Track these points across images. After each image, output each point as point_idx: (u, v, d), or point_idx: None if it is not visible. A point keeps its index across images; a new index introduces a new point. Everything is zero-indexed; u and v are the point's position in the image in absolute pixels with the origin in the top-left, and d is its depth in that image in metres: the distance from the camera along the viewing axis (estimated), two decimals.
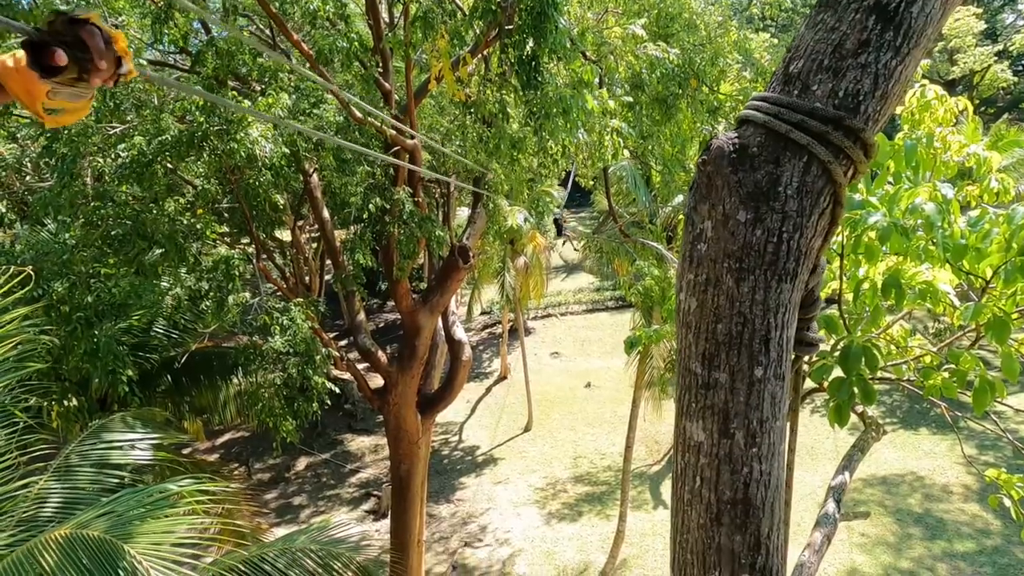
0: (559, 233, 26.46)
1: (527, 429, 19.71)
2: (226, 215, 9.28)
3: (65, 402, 6.66)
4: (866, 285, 3.00)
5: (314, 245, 17.18)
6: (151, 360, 8.96)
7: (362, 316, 10.19)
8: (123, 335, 7.68)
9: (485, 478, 17.68)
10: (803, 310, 1.53)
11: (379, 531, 15.05)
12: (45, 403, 6.56)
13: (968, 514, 14.13)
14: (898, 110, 3.82)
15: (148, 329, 8.94)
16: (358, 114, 6.87)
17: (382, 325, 26.71)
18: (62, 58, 1.09)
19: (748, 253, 1.40)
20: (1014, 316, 2.72)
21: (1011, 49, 28.65)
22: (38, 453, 4.61)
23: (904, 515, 14.33)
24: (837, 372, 2.56)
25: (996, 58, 28.26)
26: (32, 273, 4.57)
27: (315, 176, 9.12)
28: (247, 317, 9.56)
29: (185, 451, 11.12)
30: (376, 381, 9.87)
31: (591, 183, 13.93)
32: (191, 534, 4.56)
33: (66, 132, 6.26)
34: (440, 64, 6.04)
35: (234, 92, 6.81)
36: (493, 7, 5.47)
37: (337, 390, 8.61)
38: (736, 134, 1.44)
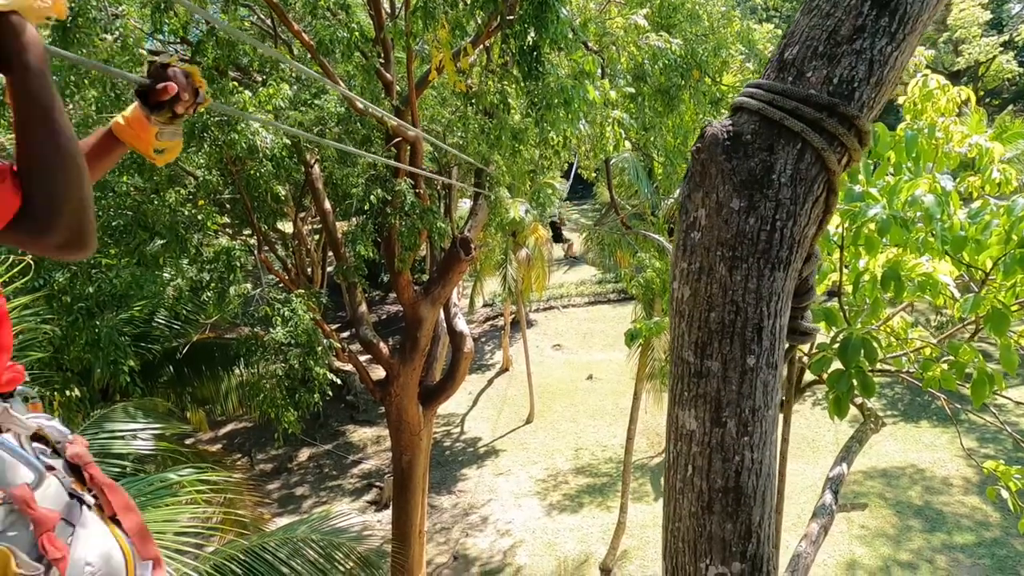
0: (556, 238, 22.65)
1: (528, 421, 19.76)
2: (227, 206, 9.28)
3: (67, 392, 6.69)
4: (866, 277, 2.99)
5: (316, 236, 17.20)
6: (153, 351, 8.98)
7: (364, 308, 10.21)
8: (125, 326, 7.70)
9: (486, 469, 17.74)
10: (796, 299, 1.53)
11: (381, 522, 15.13)
12: (47, 393, 6.60)
13: (968, 506, 14.15)
14: (900, 100, 3.79)
15: (150, 320, 8.96)
16: (359, 104, 6.85)
17: (384, 317, 26.75)
18: (173, 88, 1.40)
19: (741, 241, 1.39)
20: (1013, 308, 2.71)
21: (1017, 39, 28.36)
22: None
23: (904, 507, 14.35)
24: (837, 364, 2.55)
25: (1002, 49, 27.99)
26: (32, 263, 4.58)
27: (316, 167, 9.11)
28: (249, 308, 9.59)
29: (188, 441, 11.18)
30: (378, 372, 9.90)
31: (593, 175, 13.85)
32: (193, 523, 4.58)
33: None
34: (441, 54, 6.01)
35: (235, 82, 6.79)
36: None
37: (339, 381, 8.64)
38: (730, 121, 1.44)
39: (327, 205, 9.32)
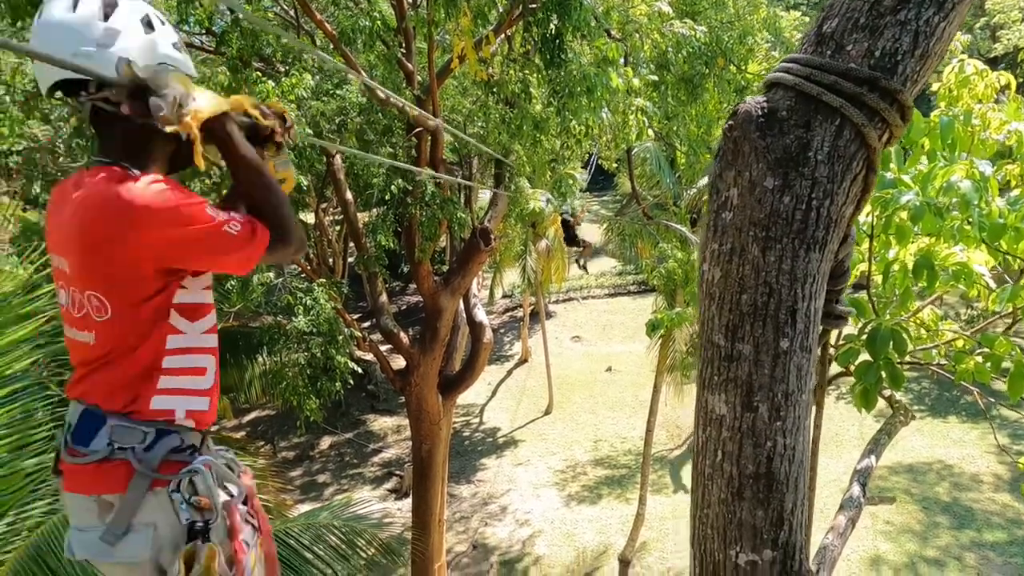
0: (570, 240, 19.57)
1: (547, 412, 19.76)
2: None
3: None
4: (896, 267, 2.91)
5: (337, 227, 17.31)
6: None
7: (384, 298, 10.25)
8: None
9: (506, 460, 17.80)
10: (832, 281, 1.49)
11: (401, 510, 15.27)
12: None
13: (999, 503, 13.84)
14: (934, 87, 3.67)
15: None
16: (380, 94, 6.86)
17: (404, 307, 26.89)
18: (284, 120, 1.67)
19: (775, 221, 1.36)
20: None
21: None
22: None
23: (931, 503, 14.09)
24: (864, 356, 2.49)
25: None
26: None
27: (338, 158, 9.15)
28: (271, 297, 9.70)
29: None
30: (398, 362, 9.95)
31: (614, 165, 13.71)
32: None
33: None
34: (463, 43, 5.98)
35: (258, 72, 6.83)
36: None
37: (360, 370, 8.70)
38: (765, 98, 1.39)
39: (348, 196, 9.36)
